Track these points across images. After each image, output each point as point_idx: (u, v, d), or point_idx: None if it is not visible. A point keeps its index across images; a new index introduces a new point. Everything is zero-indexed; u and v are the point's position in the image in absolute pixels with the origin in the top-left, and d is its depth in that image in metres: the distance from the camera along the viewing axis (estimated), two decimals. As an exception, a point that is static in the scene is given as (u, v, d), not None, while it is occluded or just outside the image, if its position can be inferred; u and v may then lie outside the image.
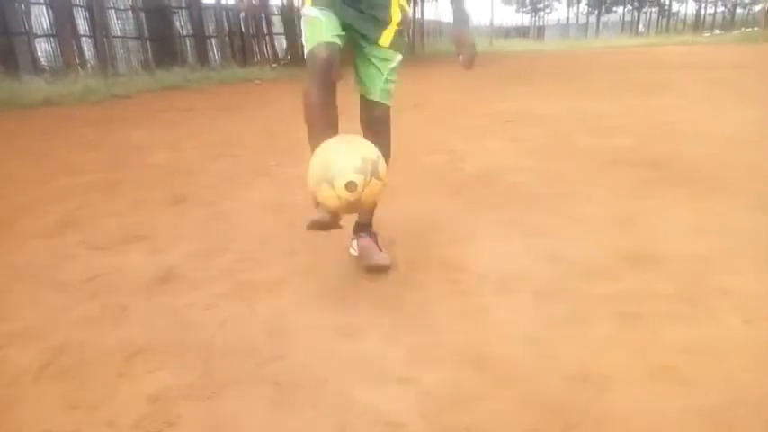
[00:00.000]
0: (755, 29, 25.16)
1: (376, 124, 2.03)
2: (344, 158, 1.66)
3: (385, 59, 2.00)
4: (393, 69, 2.02)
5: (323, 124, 1.89)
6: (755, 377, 1.42)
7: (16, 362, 1.60)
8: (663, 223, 2.51)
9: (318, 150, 1.74)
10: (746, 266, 2.04)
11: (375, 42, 1.98)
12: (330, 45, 1.84)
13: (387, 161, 1.88)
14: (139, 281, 2.10)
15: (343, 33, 1.91)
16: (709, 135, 4.35)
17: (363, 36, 1.98)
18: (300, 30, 1.98)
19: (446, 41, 19.70)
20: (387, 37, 1.98)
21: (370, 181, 1.65)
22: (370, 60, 1.99)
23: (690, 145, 4.01)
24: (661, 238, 2.34)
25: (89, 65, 10.33)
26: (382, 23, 1.98)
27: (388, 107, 2.06)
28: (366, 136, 1.94)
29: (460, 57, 2.06)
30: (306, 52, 1.90)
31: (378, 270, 2.07)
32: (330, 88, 1.88)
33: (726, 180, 3.11)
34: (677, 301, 1.81)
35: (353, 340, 1.67)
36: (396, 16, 1.99)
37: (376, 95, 2.01)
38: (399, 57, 2.04)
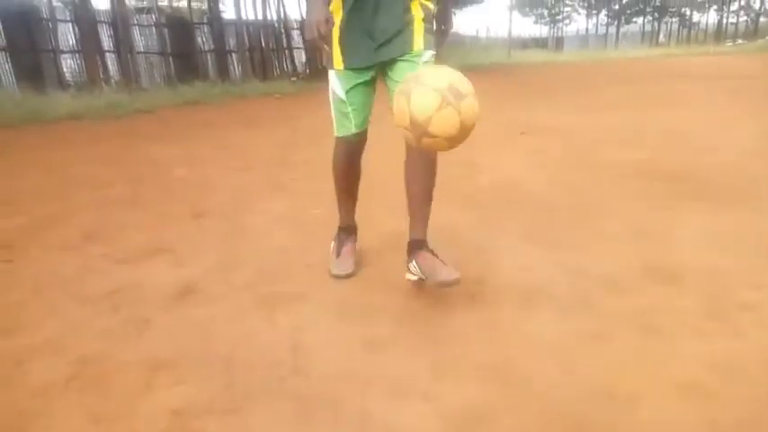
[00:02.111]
0: (779, 38, 24.80)
1: None
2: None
3: (417, 56, 1.92)
4: (427, 64, 1.92)
5: (349, 184, 2.26)
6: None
7: (41, 375, 1.62)
8: (682, 236, 2.48)
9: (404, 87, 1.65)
10: (766, 280, 2.00)
11: (408, 51, 1.93)
12: (360, 133, 2.09)
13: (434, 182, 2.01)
14: (161, 294, 2.12)
15: (371, 80, 2.01)
16: (728, 146, 4.28)
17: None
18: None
19: (462, 53, 19.73)
20: (418, 42, 1.92)
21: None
22: (401, 61, 1.93)
23: (709, 156, 3.95)
24: (681, 251, 2.30)
25: (113, 80, 10.53)
26: (406, 32, 1.91)
27: None
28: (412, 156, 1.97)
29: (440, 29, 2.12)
30: (336, 134, 2.11)
31: (449, 286, 1.87)
32: (359, 158, 2.18)
33: (745, 192, 3.06)
34: (700, 316, 1.78)
35: (376, 355, 1.66)
36: (417, 14, 1.92)
37: (414, 47, 1.93)
38: (430, 52, 1.95)
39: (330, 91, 2.04)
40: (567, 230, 2.61)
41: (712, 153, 4.07)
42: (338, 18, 1.92)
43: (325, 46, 1.89)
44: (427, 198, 2.00)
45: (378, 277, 2.17)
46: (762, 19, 40.36)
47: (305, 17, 2.02)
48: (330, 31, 1.86)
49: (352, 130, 2.05)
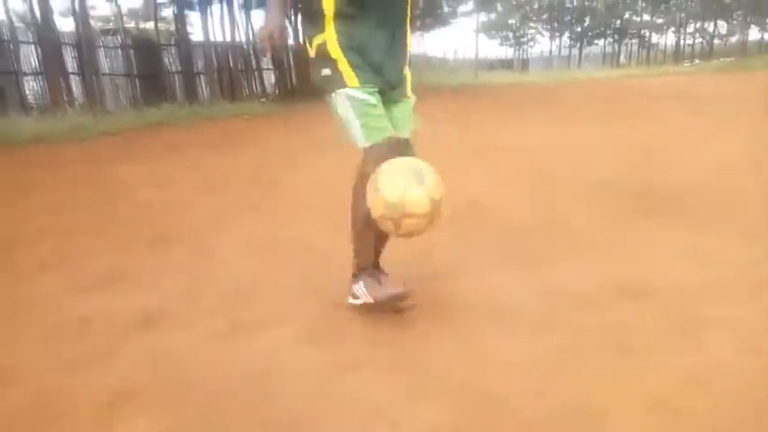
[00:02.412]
0: (732, 59, 25.86)
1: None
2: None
3: (409, 99, 2.05)
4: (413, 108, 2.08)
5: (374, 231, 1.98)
6: (746, 408, 1.41)
7: (-3, 409, 1.55)
8: (650, 253, 2.52)
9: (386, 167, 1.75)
10: (735, 296, 2.04)
11: (405, 93, 2.02)
12: (393, 137, 1.89)
13: None
14: (125, 322, 2.06)
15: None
16: (692, 163, 4.41)
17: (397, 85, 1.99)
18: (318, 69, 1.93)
19: (431, 75, 20.03)
20: (409, 84, 2.04)
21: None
22: (402, 101, 2.01)
23: (673, 174, 4.06)
24: (649, 268, 2.34)
25: (77, 102, 10.35)
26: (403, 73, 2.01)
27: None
28: None
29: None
30: (368, 142, 1.85)
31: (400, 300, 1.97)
32: None
33: (710, 208, 3.14)
34: (668, 332, 1.80)
35: (348, 378, 1.63)
36: (406, 68, 2.03)
37: (408, 134, 2.03)
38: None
39: (348, 106, 1.86)
40: (536, 248, 2.63)
41: (677, 171, 4.18)
42: (332, 29, 1.86)
43: (274, 55, 1.89)
44: (352, 230, 2.06)
45: (347, 301, 2.15)
46: (716, 41, 42.09)
47: (260, 26, 1.95)
48: (284, 42, 1.85)
49: (390, 132, 1.88)
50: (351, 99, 1.85)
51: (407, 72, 2.02)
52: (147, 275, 2.54)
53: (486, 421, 1.41)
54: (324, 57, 1.87)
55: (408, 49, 2.00)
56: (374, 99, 1.86)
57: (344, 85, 1.86)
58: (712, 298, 2.03)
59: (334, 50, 1.85)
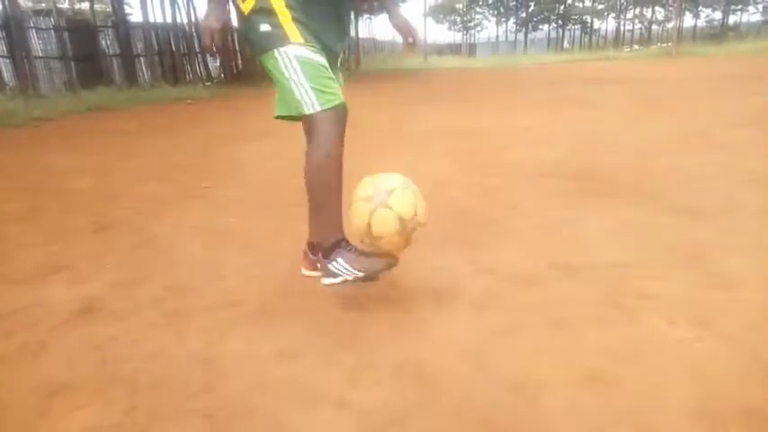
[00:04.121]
0: (669, 44, 26.87)
1: None
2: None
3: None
4: None
5: (341, 180, 1.83)
6: (678, 379, 1.48)
7: None
8: (587, 232, 2.62)
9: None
10: (666, 270, 2.14)
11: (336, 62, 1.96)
12: (345, 105, 1.80)
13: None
14: (59, 315, 1.99)
15: None
16: (627, 146, 4.59)
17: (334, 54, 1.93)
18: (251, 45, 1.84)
19: (380, 59, 19.95)
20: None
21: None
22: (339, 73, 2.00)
23: (611, 156, 4.21)
24: (586, 246, 2.43)
25: (8, 87, 9.82)
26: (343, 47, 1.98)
27: None
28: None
29: (407, 42, 1.99)
30: (323, 106, 1.74)
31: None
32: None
33: (643, 188, 3.28)
34: (603, 306, 1.88)
35: (289, 365, 1.63)
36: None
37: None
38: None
39: (295, 65, 1.74)
40: (479, 230, 2.69)
41: (615, 152, 4.33)
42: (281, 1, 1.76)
43: (221, 51, 1.80)
44: (311, 203, 1.92)
45: (290, 285, 2.14)
46: (654, 27, 43.60)
47: (202, 20, 1.81)
48: (225, 39, 1.79)
49: (342, 97, 1.79)
50: (300, 60, 1.74)
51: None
52: (85, 266, 2.45)
53: (426, 402, 1.43)
54: (261, 12, 1.76)
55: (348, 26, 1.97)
56: (324, 59, 1.78)
57: (286, 42, 1.74)
58: (646, 273, 2.12)
59: (276, 3, 1.74)
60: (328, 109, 1.74)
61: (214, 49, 1.77)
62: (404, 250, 1.87)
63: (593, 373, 1.51)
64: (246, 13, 1.78)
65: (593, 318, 1.81)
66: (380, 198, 1.76)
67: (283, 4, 1.75)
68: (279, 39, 1.74)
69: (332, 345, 1.72)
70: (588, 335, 1.71)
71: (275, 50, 1.75)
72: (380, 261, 1.83)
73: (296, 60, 1.74)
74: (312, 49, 1.76)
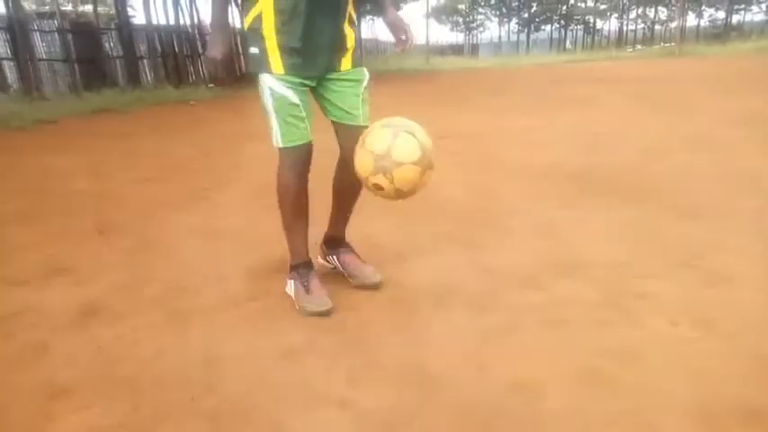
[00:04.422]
0: (672, 44, 26.80)
1: None
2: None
3: (356, 80, 1.91)
4: (366, 88, 1.94)
5: (299, 211, 1.96)
6: (678, 378, 1.48)
7: None
8: (585, 232, 2.62)
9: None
10: (665, 270, 2.14)
11: (338, 70, 1.88)
12: (310, 143, 1.88)
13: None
14: (62, 316, 2.00)
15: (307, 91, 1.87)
16: (628, 146, 4.58)
17: (328, 72, 1.88)
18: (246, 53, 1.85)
19: (382, 60, 19.95)
20: (347, 62, 1.89)
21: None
22: (343, 89, 1.89)
23: (611, 156, 4.21)
24: (584, 247, 2.43)
25: (12, 89, 9.85)
26: (341, 52, 1.88)
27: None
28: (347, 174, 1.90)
29: (400, 39, 1.98)
30: (284, 144, 1.84)
31: (374, 288, 2.08)
32: (306, 179, 1.93)
33: (642, 188, 3.28)
34: (603, 307, 1.88)
35: (290, 365, 1.64)
36: (351, 40, 1.89)
37: (361, 120, 1.91)
38: (367, 73, 1.95)
39: (268, 96, 1.81)
40: (479, 231, 2.69)
41: (615, 153, 4.33)
42: (269, 20, 1.76)
43: (224, 78, 1.86)
44: (354, 200, 2.09)
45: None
46: (657, 27, 43.51)
47: (206, 51, 1.85)
48: (227, 69, 1.82)
49: (308, 137, 1.86)
50: (273, 93, 1.80)
51: (345, 56, 1.89)
52: (86, 267, 2.46)
53: (427, 402, 1.44)
54: (253, 32, 1.78)
55: (347, 30, 1.88)
56: (296, 97, 1.80)
57: (266, 71, 1.79)
58: (645, 272, 2.12)
59: (267, 27, 1.75)
60: (289, 148, 1.84)
61: (219, 76, 1.83)
62: (409, 196, 1.80)
63: (594, 372, 1.52)
64: (246, 28, 1.82)
65: (592, 318, 1.81)
66: (404, 125, 1.73)
67: (273, 27, 1.76)
68: (262, 65, 1.80)
69: (331, 346, 1.73)
70: (588, 335, 1.71)
71: (259, 75, 1.82)
72: (317, 304, 1.92)
73: (269, 92, 1.80)
74: (287, 84, 1.79)
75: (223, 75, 1.82)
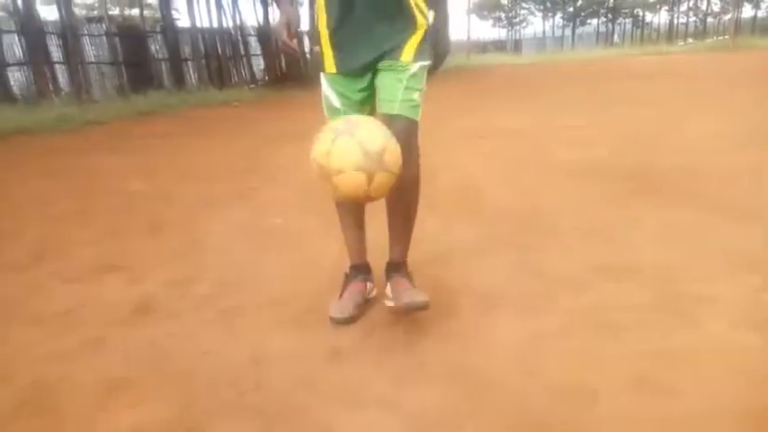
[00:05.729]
0: (725, 37, 25.83)
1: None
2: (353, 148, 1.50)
3: (403, 67, 1.72)
4: (415, 76, 1.72)
5: (345, 212, 1.96)
6: (735, 385, 1.42)
7: (-11, 402, 1.55)
8: (636, 233, 2.54)
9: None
10: (721, 274, 2.06)
11: (396, 58, 1.72)
12: None
13: (416, 203, 1.87)
14: (116, 312, 2.06)
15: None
16: (677, 145, 4.43)
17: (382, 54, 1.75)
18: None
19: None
20: (409, 51, 1.72)
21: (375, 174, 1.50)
22: (386, 70, 1.74)
23: (661, 155, 4.07)
24: (635, 248, 2.36)
25: (63, 92, 10.23)
26: (404, 34, 1.73)
27: (413, 122, 1.73)
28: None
29: None
30: None
31: (417, 309, 1.76)
32: None
33: (695, 189, 3.16)
34: (654, 310, 1.82)
35: (338, 365, 1.64)
36: (421, 22, 1.75)
37: (395, 108, 1.70)
38: (421, 63, 1.74)
39: (323, 97, 1.83)
40: (525, 231, 2.64)
41: (666, 151, 4.19)
42: (323, 18, 1.74)
43: (295, 49, 1.82)
44: (408, 216, 1.88)
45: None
46: (709, 19, 41.97)
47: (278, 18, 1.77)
48: (294, 35, 1.76)
49: None
50: (323, 93, 1.85)
51: (410, 40, 1.73)
52: (138, 264, 2.53)
53: (475, 405, 1.42)
54: (316, 30, 1.81)
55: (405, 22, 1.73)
56: (338, 101, 1.81)
57: (322, 69, 1.82)
58: (700, 276, 2.05)
59: (321, 25, 1.77)
60: None
61: (285, 47, 1.75)
62: (366, 202, 1.67)
63: (647, 378, 1.47)
64: (315, 25, 1.83)
65: (646, 321, 1.76)
66: (347, 126, 1.54)
67: (325, 23, 1.77)
68: (320, 64, 1.83)
69: (379, 348, 1.72)
70: (642, 339, 1.66)
71: (320, 73, 1.86)
72: (337, 311, 1.88)
73: (323, 91, 1.86)
74: (335, 85, 1.81)
75: (293, 46, 1.75)
